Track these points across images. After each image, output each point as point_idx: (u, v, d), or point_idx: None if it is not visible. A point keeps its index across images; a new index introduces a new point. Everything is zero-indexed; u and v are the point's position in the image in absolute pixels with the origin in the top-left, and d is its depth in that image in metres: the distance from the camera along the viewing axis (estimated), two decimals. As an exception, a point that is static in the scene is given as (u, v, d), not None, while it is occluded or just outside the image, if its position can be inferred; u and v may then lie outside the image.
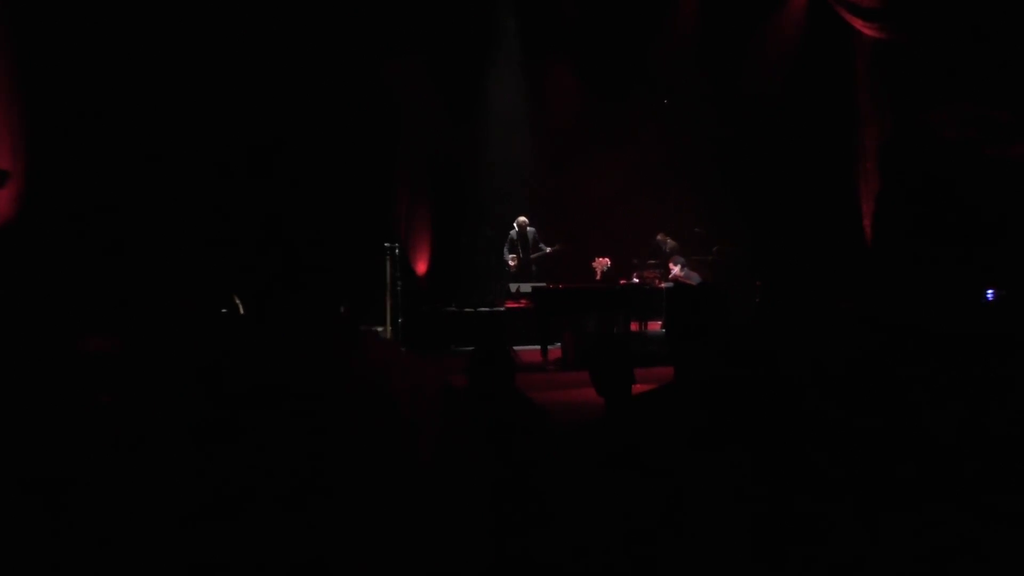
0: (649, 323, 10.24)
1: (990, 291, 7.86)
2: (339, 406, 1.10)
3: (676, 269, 10.39)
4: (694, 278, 10.54)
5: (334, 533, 1.09)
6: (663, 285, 10.42)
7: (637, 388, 2.74)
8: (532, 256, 11.44)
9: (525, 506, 1.78)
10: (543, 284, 10.25)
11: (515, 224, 11.51)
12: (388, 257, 10.17)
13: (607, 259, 10.55)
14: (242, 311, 8.81)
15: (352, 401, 1.11)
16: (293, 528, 1.08)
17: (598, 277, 10.46)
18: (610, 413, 2.67)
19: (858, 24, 9.95)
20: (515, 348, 8.65)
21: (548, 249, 11.43)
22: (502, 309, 10.75)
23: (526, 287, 10.61)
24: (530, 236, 11.50)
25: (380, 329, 9.85)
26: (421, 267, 11.72)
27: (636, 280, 10.66)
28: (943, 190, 8.84)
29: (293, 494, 1.08)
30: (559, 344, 9.80)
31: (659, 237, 11.42)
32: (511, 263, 11.35)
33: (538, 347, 9.36)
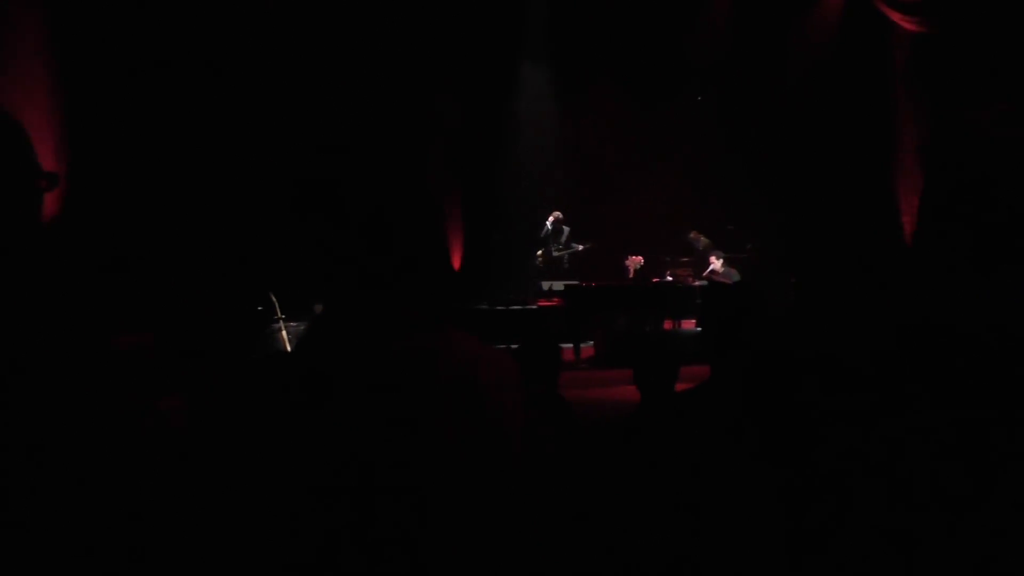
0: (682, 321, 10.16)
1: None
2: (429, 398, 1.10)
3: (717, 264, 10.33)
4: (732, 275, 10.45)
5: (425, 528, 1.08)
6: (696, 283, 10.35)
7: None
8: (564, 252, 11.38)
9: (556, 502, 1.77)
10: (576, 282, 10.21)
11: (549, 220, 11.46)
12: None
13: (640, 257, 10.48)
14: (278, 309, 8.88)
15: (443, 393, 1.10)
16: (375, 526, 1.07)
17: (631, 275, 10.40)
18: (644, 411, 2.65)
19: (896, 17, 9.79)
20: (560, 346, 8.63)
21: (580, 247, 11.36)
22: (534, 307, 10.73)
23: (559, 285, 10.58)
24: (564, 232, 11.45)
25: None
26: (453, 264, 11.72)
27: (669, 278, 10.58)
28: (985, 187, 8.68)
29: (381, 490, 1.07)
30: (591, 342, 9.76)
31: (692, 235, 11.33)
32: (539, 258, 11.30)
33: (570, 345, 9.32)
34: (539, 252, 11.34)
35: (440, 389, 1.17)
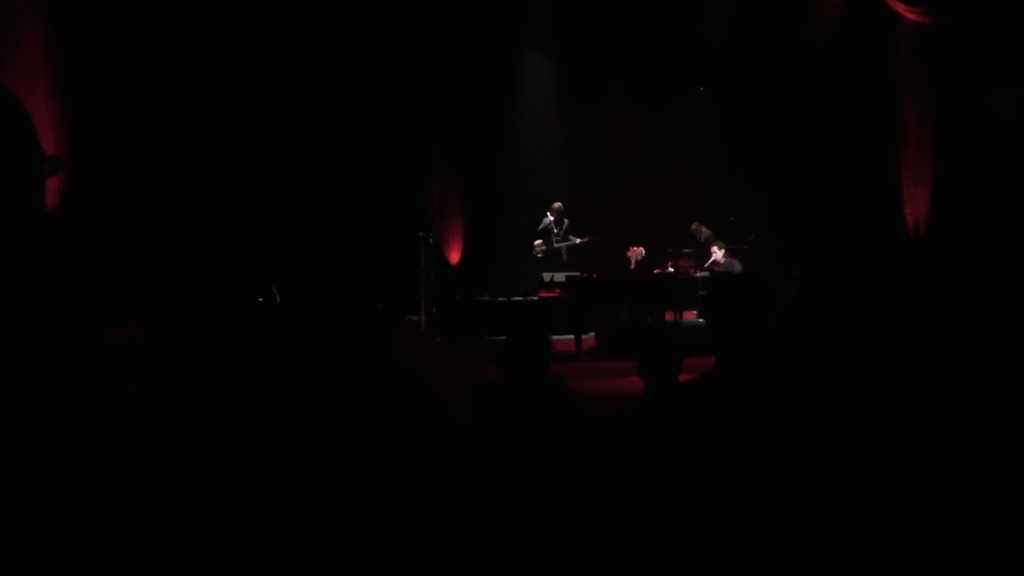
0: (684, 312, 10.15)
1: None
2: (374, 397, 1.10)
3: (719, 255, 10.32)
4: (735, 266, 10.43)
5: (368, 526, 1.07)
6: (699, 274, 10.33)
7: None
8: (562, 244, 11.34)
9: (562, 493, 1.75)
10: (577, 273, 10.19)
11: (549, 211, 11.42)
12: (421, 246, 10.17)
13: (641, 248, 10.46)
14: (279, 301, 8.86)
15: (387, 392, 1.11)
16: (326, 523, 1.07)
17: (632, 266, 10.37)
18: (649, 401, 2.63)
19: (900, 8, 9.73)
20: (550, 337, 8.60)
21: (577, 240, 11.33)
22: (536, 298, 10.70)
23: (560, 276, 10.56)
24: (564, 224, 11.42)
25: (415, 319, 9.86)
26: (454, 256, 11.70)
27: (671, 269, 10.56)
28: (994, 176, 8.65)
29: (327, 488, 1.07)
30: (593, 334, 9.75)
31: (694, 226, 11.31)
32: (536, 248, 11.24)
33: (572, 336, 9.32)
34: (536, 242, 11.29)
35: (387, 384, 1.18)
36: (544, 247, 11.24)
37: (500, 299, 10.91)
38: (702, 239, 11.08)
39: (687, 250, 11.09)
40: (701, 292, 10.02)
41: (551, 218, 11.37)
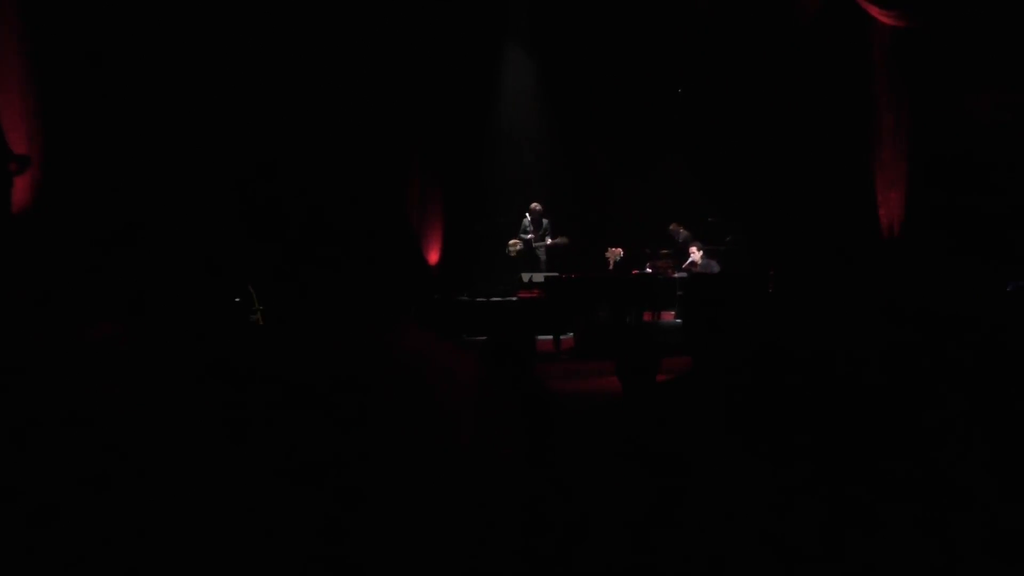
0: (662, 313, 10.20)
1: (1010, 283, 7.76)
2: (375, 394, 1.11)
3: (697, 255, 10.38)
4: (713, 266, 10.49)
5: (366, 527, 1.08)
6: (676, 275, 10.39)
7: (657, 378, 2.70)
8: (540, 245, 11.36)
9: (545, 494, 1.76)
10: (556, 274, 10.21)
11: (528, 211, 11.43)
12: (400, 245, 10.16)
13: (620, 249, 10.50)
14: (256, 300, 8.81)
15: (389, 389, 1.11)
16: (323, 523, 1.07)
17: (610, 267, 10.42)
18: (627, 401, 2.65)
19: (874, 12, 9.84)
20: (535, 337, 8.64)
21: (549, 241, 11.36)
22: (514, 299, 10.71)
23: (539, 277, 10.58)
24: (544, 224, 11.43)
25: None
26: (433, 256, 11.69)
27: (649, 270, 10.61)
28: (967, 178, 8.78)
29: (324, 488, 1.07)
30: (571, 334, 9.78)
31: (672, 227, 11.36)
32: (511, 247, 11.23)
33: (551, 337, 9.34)
34: (511, 241, 11.27)
35: (388, 382, 1.18)
36: (518, 246, 11.24)
37: (479, 299, 10.90)
38: (680, 240, 11.13)
39: (665, 251, 11.14)
40: (679, 292, 10.07)
41: (529, 219, 11.39)
